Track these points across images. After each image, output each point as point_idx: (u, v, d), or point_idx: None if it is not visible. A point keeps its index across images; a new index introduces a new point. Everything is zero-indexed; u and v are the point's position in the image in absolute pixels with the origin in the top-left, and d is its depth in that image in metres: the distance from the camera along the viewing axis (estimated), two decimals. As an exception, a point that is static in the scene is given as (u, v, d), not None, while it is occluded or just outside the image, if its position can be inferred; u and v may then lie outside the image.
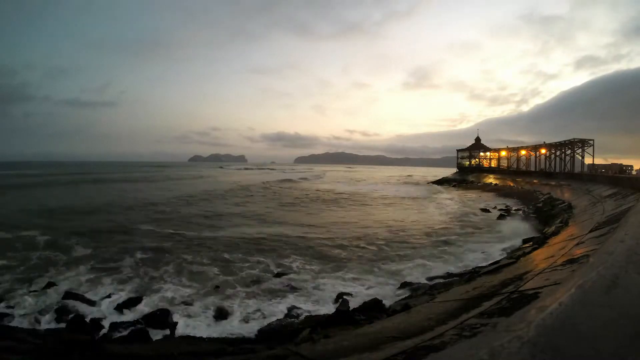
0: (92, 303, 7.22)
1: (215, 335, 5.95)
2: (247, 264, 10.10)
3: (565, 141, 41.50)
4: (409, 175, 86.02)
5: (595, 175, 26.97)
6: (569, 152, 41.58)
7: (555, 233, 10.47)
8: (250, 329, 6.17)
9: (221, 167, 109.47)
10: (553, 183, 29.77)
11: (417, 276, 8.89)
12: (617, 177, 22.00)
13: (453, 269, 9.39)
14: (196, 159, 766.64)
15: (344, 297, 7.24)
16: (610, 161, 43.68)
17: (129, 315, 6.67)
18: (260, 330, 6.06)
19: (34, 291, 7.78)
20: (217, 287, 8.16)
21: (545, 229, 12.84)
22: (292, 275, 9.10)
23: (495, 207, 23.37)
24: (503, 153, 58.16)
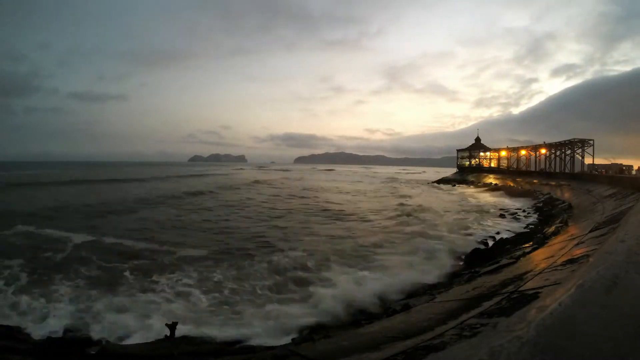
0: (92, 303, 7.22)
1: (215, 335, 5.94)
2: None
3: (565, 141, 41.56)
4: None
5: (596, 175, 27.01)
6: (569, 152, 41.64)
7: (555, 233, 10.49)
8: (250, 329, 6.16)
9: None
10: (553, 183, 29.81)
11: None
12: (617, 177, 22.02)
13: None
14: (196, 159, 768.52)
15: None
16: (611, 161, 43.74)
17: (129, 315, 6.66)
18: (260, 330, 6.05)
19: (34, 291, 7.77)
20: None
21: (545, 229, 12.84)
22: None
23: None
24: (503, 153, 58.21)
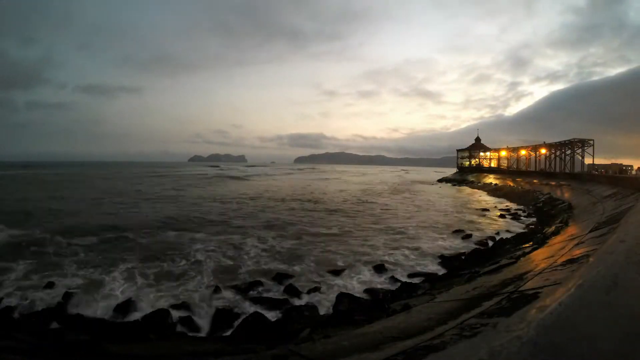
0: (92, 303, 7.23)
1: (215, 335, 5.94)
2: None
3: (565, 141, 41.58)
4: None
5: (595, 175, 27.01)
6: (568, 152, 41.66)
7: (555, 233, 10.48)
8: (250, 329, 6.17)
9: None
10: (553, 183, 29.80)
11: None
12: (617, 177, 22.03)
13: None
14: (195, 159, 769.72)
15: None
16: (611, 161, 43.70)
17: (128, 316, 6.67)
18: (260, 330, 6.05)
19: (34, 291, 7.78)
20: (216, 287, 8.15)
21: (545, 229, 12.84)
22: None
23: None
24: (503, 153, 58.22)
